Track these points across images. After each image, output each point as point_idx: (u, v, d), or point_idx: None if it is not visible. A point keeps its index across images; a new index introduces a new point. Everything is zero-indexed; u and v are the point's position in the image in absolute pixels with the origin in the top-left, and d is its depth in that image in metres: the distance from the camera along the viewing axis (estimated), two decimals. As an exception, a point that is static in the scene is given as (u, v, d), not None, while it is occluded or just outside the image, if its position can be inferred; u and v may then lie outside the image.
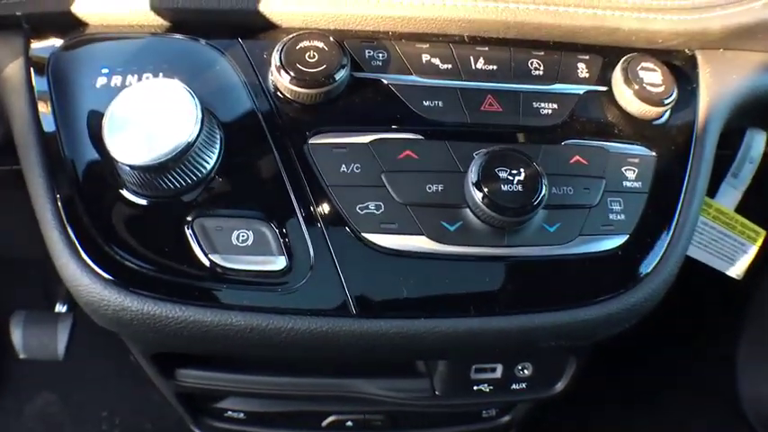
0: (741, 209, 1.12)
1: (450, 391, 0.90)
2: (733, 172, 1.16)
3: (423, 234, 0.66)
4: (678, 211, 0.73)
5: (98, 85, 0.68)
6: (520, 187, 0.64)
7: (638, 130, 0.73)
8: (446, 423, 1.05)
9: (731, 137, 0.99)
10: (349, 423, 1.01)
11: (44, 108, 0.68)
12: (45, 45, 0.71)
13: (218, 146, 0.65)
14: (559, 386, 0.94)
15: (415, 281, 0.66)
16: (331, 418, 1.00)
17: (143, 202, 0.65)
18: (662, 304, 0.75)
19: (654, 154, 0.73)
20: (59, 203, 0.66)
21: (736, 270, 1.14)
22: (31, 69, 0.69)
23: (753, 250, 1.13)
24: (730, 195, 1.17)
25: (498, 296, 0.68)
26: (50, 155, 0.67)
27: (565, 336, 0.70)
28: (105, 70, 0.68)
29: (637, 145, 0.73)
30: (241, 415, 1.01)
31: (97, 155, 0.66)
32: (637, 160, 0.72)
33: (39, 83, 0.69)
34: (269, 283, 0.64)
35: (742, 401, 1.70)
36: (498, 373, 0.89)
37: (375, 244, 0.66)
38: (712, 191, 1.16)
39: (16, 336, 1.58)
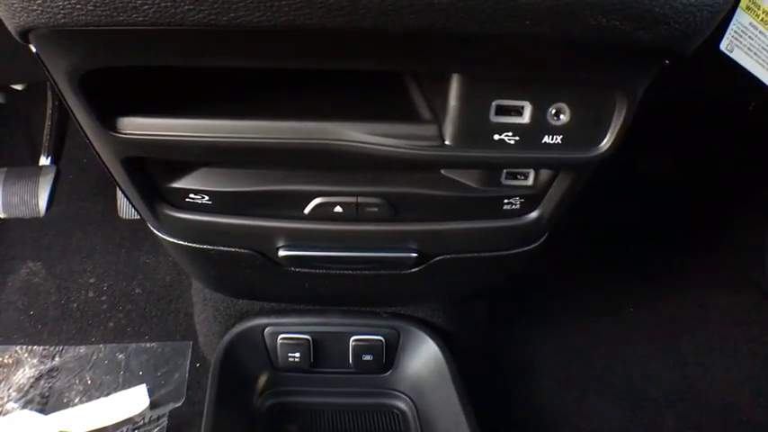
0: None
1: (464, 139, 0.71)
2: (778, -30, 1.04)
3: None
4: None
5: None
6: None
7: None
8: (457, 216, 0.86)
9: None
10: (338, 209, 0.83)
11: None
12: None
13: None
14: (605, 143, 0.73)
15: None
16: (316, 202, 0.83)
17: None
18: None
19: None
20: None
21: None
22: None
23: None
24: (778, -2, 1.05)
25: None
26: None
27: (621, 2, 0.53)
28: None
29: None
30: (205, 198, 0.83)
31: None
32: None
33: None
34: None
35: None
36: (526, 117, 0.70)
37: None
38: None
39: (-5, 194, 1.48)
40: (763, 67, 1.05)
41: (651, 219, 1.81)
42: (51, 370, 1.46)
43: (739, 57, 1.03)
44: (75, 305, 1.54)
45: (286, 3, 0.52)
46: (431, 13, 0.53)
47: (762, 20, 1.04)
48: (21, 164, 1.56)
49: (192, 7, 0.52)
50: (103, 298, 1.56)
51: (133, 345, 1.47)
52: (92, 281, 1.58)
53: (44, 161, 1.50)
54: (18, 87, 1.39)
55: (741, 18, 1.01)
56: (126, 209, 1.42)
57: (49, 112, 1.49)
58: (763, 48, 1.05)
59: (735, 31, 1.02)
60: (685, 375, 1.52)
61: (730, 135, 1.76)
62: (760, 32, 1.04)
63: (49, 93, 1.50)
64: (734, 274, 1.70)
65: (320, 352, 1.26)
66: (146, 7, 0.52)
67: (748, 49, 1.05)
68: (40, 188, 1.45)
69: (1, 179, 1.47)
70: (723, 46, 1.01)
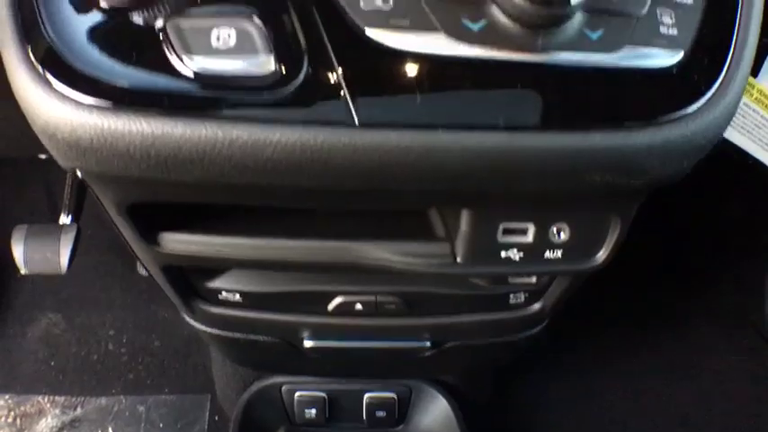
0: None
1: (474, 258, 0.77)
2: (776, 51, 1.08)
3: (440, 31, 0.54)
4: (737, 29, 0.64)
5: None
6: None
7: None
8: (467, 310, 0.94)
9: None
10: (358, 306, 0.90)
11: None
12: None
13: None
14: (600, 256, 0.79)
15: (430, 85, 0.55)
16: (338, 300, 0.90)
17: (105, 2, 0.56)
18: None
19: None
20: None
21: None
22: None
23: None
24: (774, 77, 1.09)
25: (534, 109, 0.56)
26: None
27: (615, 166, 0.59)
28: None
29: None
30: (237, 296, 0.90)
31: None
32: None
33: None
34: (253, 88, 0.54)
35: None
36: (530, 237, 0.76)
37: (381, 43, 0.54)
38: (754, 71, 1.08)
39: (18, 250, 1.52)
40: (756, 144, 1.10)
41: (651, 262, 1.85)
42: (73, 421, 1.50)
43: (731, 135, 1.08)
44: (95, 357, 1.59)
45: (318, 171, 0.57)
46: (444, 183, 0.60)
47: (756, 99, 1.08)
48: (39, 219, 1.60)
49: (235, 173, 0.57)
50: (123, 350, 1.60)
51: (153, 397, 1.52)
52: (111, 333, 1.62)
53: (64, 219, 1.54)
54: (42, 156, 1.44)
55: (734, 100, 1.06)
56: (145, 266, 1.47)
57: (69, 172, 1.53)
58: (756, 125, 1.10)
59: (728, 112, 1.07)
60: (686, 421, 1.56)
61: (731, 180, 1.80)
62: (753, 111, 1.09)
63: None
64: (733, 317, 1.73)
65: (335, 408, 1.32)
66: (194, 171, 0.57)
67: (741, 127, 1.09)
68: (62, 246, 1.49)
69: (22, 236, 1.51)
70: (716, 127, 1.06)
